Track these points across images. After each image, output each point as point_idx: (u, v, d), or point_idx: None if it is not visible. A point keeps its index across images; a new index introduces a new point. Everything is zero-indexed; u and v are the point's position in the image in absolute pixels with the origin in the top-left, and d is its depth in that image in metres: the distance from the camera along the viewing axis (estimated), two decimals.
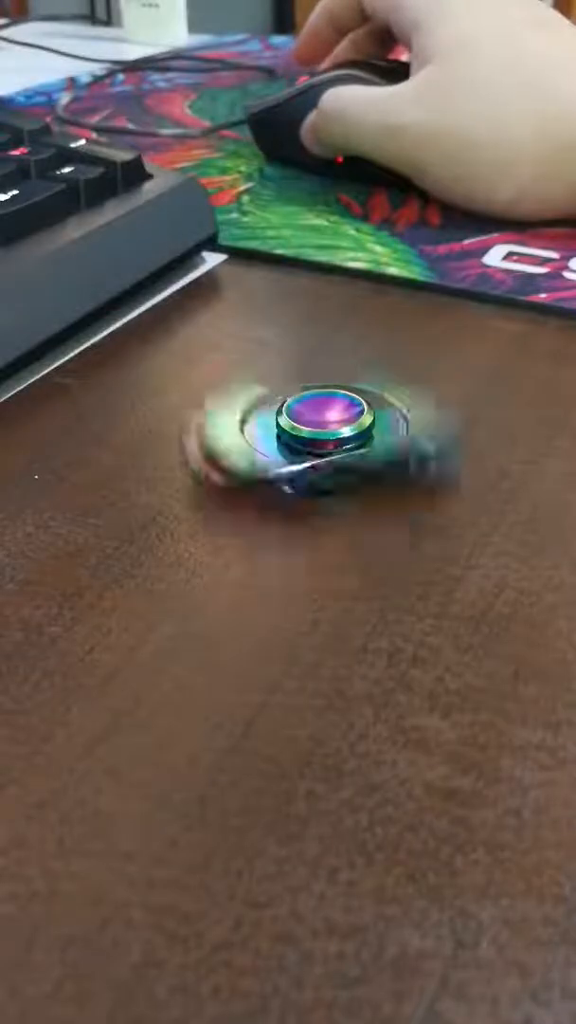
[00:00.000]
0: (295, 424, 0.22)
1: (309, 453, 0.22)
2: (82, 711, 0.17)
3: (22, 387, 0.27)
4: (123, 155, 0.33)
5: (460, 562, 0.20)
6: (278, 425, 0.23)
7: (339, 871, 0.14)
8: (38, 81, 0.63)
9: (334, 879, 0.14)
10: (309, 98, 0.41)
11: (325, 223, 0.38)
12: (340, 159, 0.42)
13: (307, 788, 0.15)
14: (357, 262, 0.34)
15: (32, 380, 0.27)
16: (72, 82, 0.62)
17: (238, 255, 0.36)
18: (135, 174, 0.33)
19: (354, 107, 0.39)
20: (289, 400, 0.23)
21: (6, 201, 0.29)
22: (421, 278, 0.33)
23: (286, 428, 0.22)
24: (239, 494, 0.22)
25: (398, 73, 0.40)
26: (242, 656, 0.18)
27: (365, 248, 0.36)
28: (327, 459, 0.22)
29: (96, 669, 0.17)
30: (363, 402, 0.23)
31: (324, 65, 0.47)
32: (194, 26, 0.80)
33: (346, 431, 0.22)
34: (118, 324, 0.30)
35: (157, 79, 0.62)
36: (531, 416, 0.25)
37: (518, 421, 0.25)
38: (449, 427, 0.23)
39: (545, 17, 0.38)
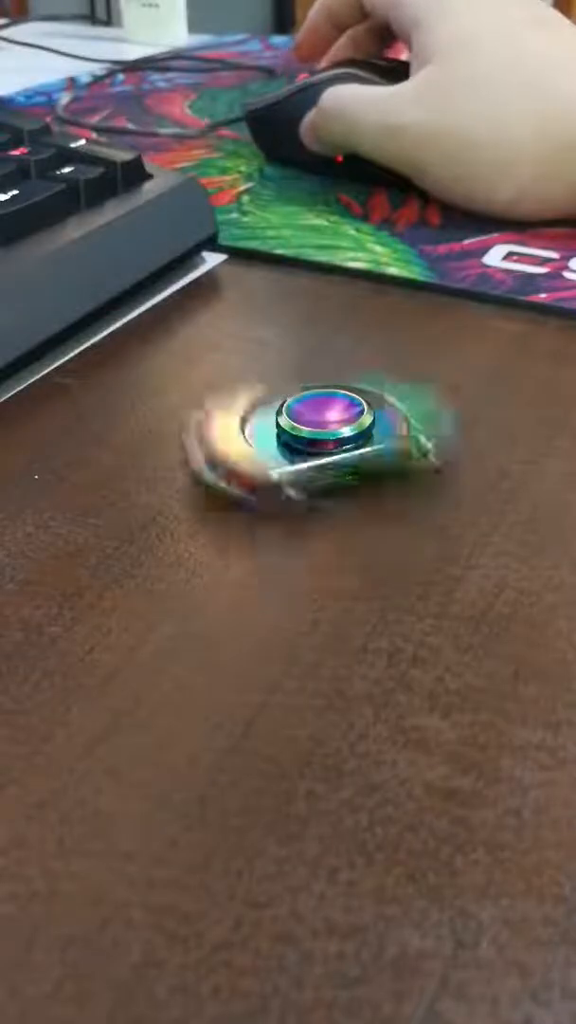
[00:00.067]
0: (295, 424, 0.22)
1: (309, 453, 0.22)
2: (82, 711, 0.17)
3: (22, 387, 0.27)
4: (123, 155, 0.33)
5: (460, 562, 0.20)
6: (278, 425, 0.23)
7: (339, 871, 0.14)
8: (38, 81, 0.63)
9: (334, 879, 0.14)
10: (308, 96, 0.41)
11: (325, 223, 0.38)
12: (339, 158, 0.42)
13: (307, 788, 0.15)
14: (357, 262, 0.34)
15: (32, 380, 0.27)
16: (72, 82, 0.62)
17: (238, 255, 0.36)
18: (135, 174, 0.33)
19: (354, 106, 0.39)
20: (289, 400, 0.23)
21: (6, 201, 0.29)
22: (421, 278, 0.33)
23: (286, 428, 0.22)
24: (239, 494, 0.22)
25: (397, 72, 0.40)
26: (242, 656, 0.18)
27: (365, 248, 0.36)
28: (328, 459, 0.22)
29: (96, 669, 0.17)
30: (363, 402, 0.23)
31: (323, 63, 0.47)
32: (194, 26, 0.80)
33: (346, 431, 0.22)
34: (118, 324, 0.30)
35: (157, 79, 0.62)
36: (531, 416, 0.25)
37: (518, 421, 0.25)
38: (446, 424, 0.23)
39: (545, 16, 0.38)
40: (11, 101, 0.57)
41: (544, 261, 0.35)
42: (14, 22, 0.84)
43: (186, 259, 0.34)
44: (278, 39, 0.77)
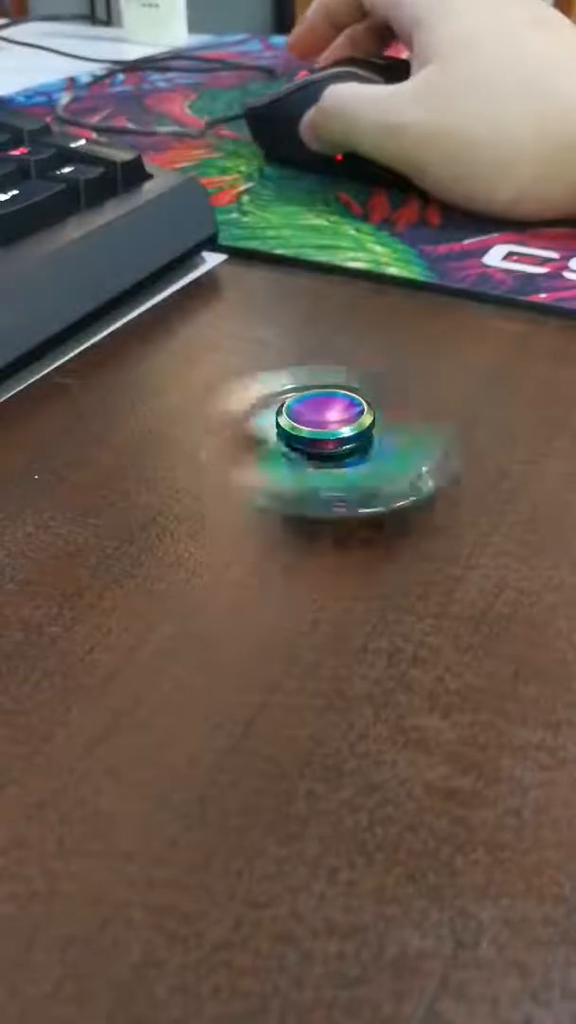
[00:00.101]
0: (295, 424, 0.22)
1: (309, 453, 0.22)
2: (82, 711, 0.17)
3: (22, 387, 0.27)
4: (123, 155, 0.33)
5: (460, 562, 0.20)
6: (278, 425, 0.23)
7: (339, 871, 0.14)
8: (38, 81, 0.63)
9: (334, 879, 0.14)
10: (308, 94, 0.41)
11: (325, 223, 0.38)
12: (339, 157, 0.42)
13: (307, 788, 0.15)
14: (357, 262, 0.34)
15: (32, 380, 0.27)
16: (72, 82, 0.62)
17: (238, 255, 0.36)
18: (135, 174, 0.33)
19: (354, 105, 0.39)
20: (289, 400, 0.23)
21: (6, 201, 0.29)
22: (421, 278, 0.33)
23: (286, 428, 0.22)
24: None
25: (397, 70, 0.40)
26: (242, 656, 0.18)
27: (365, 248, 0.36)
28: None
29: (96, 669, 0.17)
30: (363, 402, 0.23)
31: (322, 61, 0.47)
32: (194, 26, 0.80)
33: (346, 431, 0.22)
34: (118, 324, 0.30)
35: (157, 79, 0.62)
36: (531, 416, 0.25)
37: (518, 421, 0.25)
38: (450, 459, 0.23)
39: (545, 16, 0.38)
40: (11, 101, 0.57)
41: (544, 261, 0.35)
42: (14, 22, 0.84)
43: (186, 259, 0.34)
44: (278, 39, 0.77)
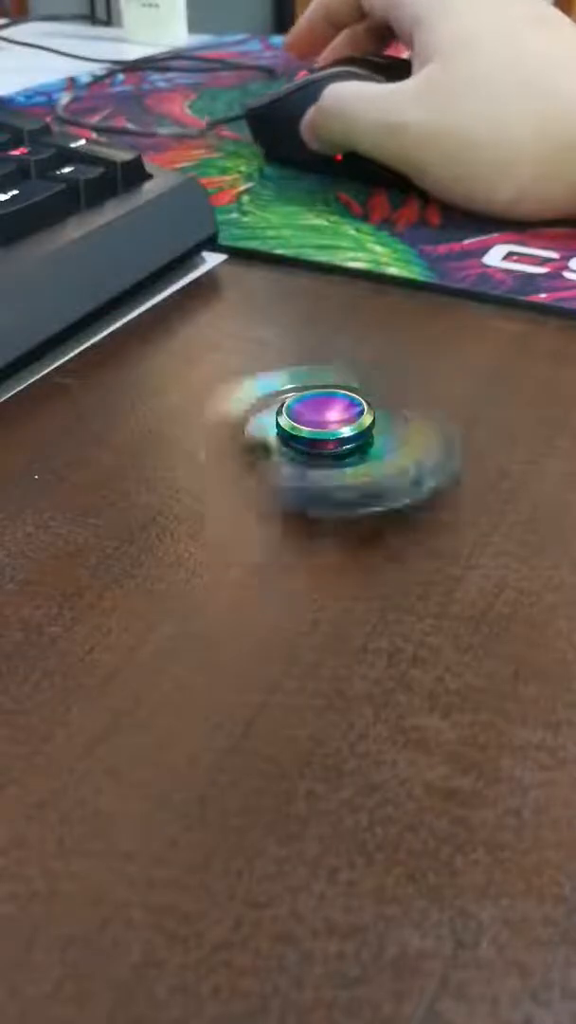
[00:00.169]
0: (295, 424, 0.22)
1: (309, 453, 0.22)
2: (82, 711, 0.17)
3: (22, 387, 0.27)
4: (123, 155, 0.33)
5: (460, 562, 0.20)
6: (278, 425, 0.23)
7: (339, 871, 0.14)
8: (38, 81, 0.63)
9: (334, 879, 0.14)
10: (309, 94, 0.41)
11: (325, 223, 0.38)
12: (339, 156, 0.42)
13: (307, 788, 0.15)
14: (357, 262, 0.34)
15: (32, 380, 0.27)
16: (72, 82, 0.62)
17: (238, 255, 0.36)
18: (135, 174, 0.33)
19: (354, 104, 0.39)
20: (289, 400, 0.23)
21: (6, 201, 0.29)
22: (421, 278, 0.33)
23: (286, 428, 0.22)
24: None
25: (397, 70, 0.40)
26: (242, 656, 0.18)
27: (365, 248, 0.36)
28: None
29: (96, 669, 0.17)
30: (363, 402, 0.23)
31: (321, 61, 0.47)
32: (194, 26, 0.80)
33: (346, 431, 0.22)
34: (118, 324, 0.30)
35: (157, 79, 0.62)
36: (531, 416, 0.25)
37: (518, 421, 0.25)
38: (452, 456, 0.23)
39: (546, 15, 0.38)
40: (11, 101, 0.57)
41: (544, 261, 0.35)
42: (14, 22, 0.84)
43: (186, 259, 0.34)
44: (278, 39, 0.77)
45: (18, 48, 0.73)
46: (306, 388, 0.24)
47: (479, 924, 0.13)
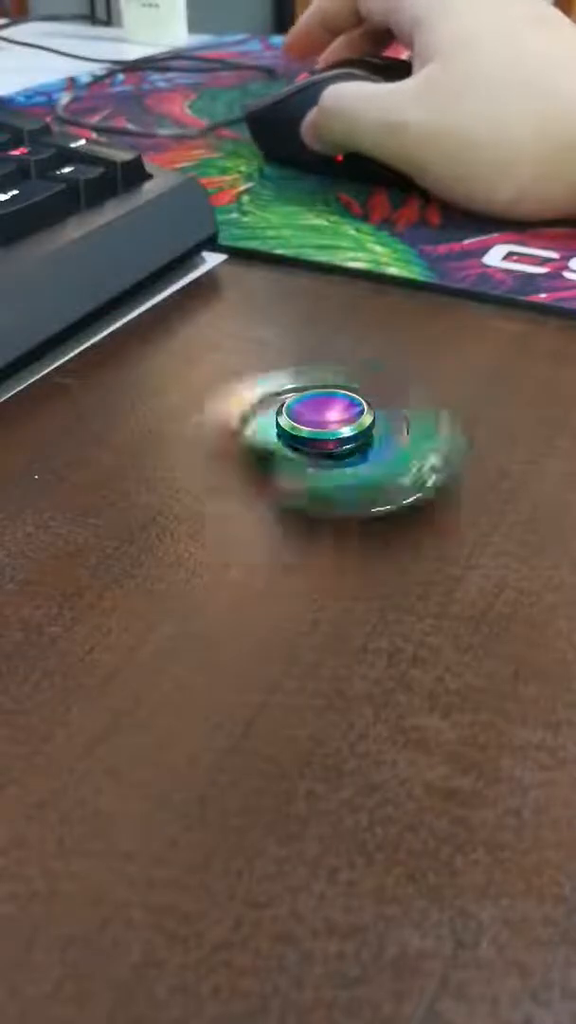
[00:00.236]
0: (295, 424, 0.22)
1: (309, 453, 0.22)
2: (82, 711, 0.17)
3: (22, 387, 0.27)
4: (123, 155, 0.33)
5: (460, 562, 0.20)
6: (278, 425, 0.23)
7: (339, 871, 0.14)
8: (38, 81, 0.63)
9: (334, 879, 0.14)
10: (309, 95, 0.41)
11: (325, 223, 0.38)
12: (340, 157, 0.42)
13: (307, 788, 0.15)
14: (357, 262, 0.34)
15: (32, 380, 0.27)
16: (72, 82, 0.62)
17: (238, 255, 0.36)
18: (135, 174, 0.33)
19: (355, 104, 0.39)
20: (289, 400, 0.23)
21: (6, 201, 0.29)
22: (421, 278, 0.33)
23: (286, 428, 0.22)
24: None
25: (397, 70, 0.40)
26: (242, 656, 0.18)
27: (365, 248, 0.36)
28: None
29: (96, 669, 0.17)
30: (363, 402, 0.23)
31: (321, 63, 0.47)
32: (194, 26, 0.80)
33: (346, 431, 0.22)
34: (118, 324, 0.30)
35: (157, 79, 0.62)
36: (531, 416, 0.25)
37: (518, 421, 0.25)
38: (455, 451, 0.23)
39: (546, 15, 0.38)
40: (11, 101, 0.57)
41: (544, 261, 0.35)
42: (14, 22, 0.84)
43: (186, 259, 0.34)
44: (278, 39, 0.77)
45: (18, 48, 0.73)
46: (306, 388, 0.24)
47: (479, 924, 0.13)
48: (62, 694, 0.17)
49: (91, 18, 0.98)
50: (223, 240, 0.36)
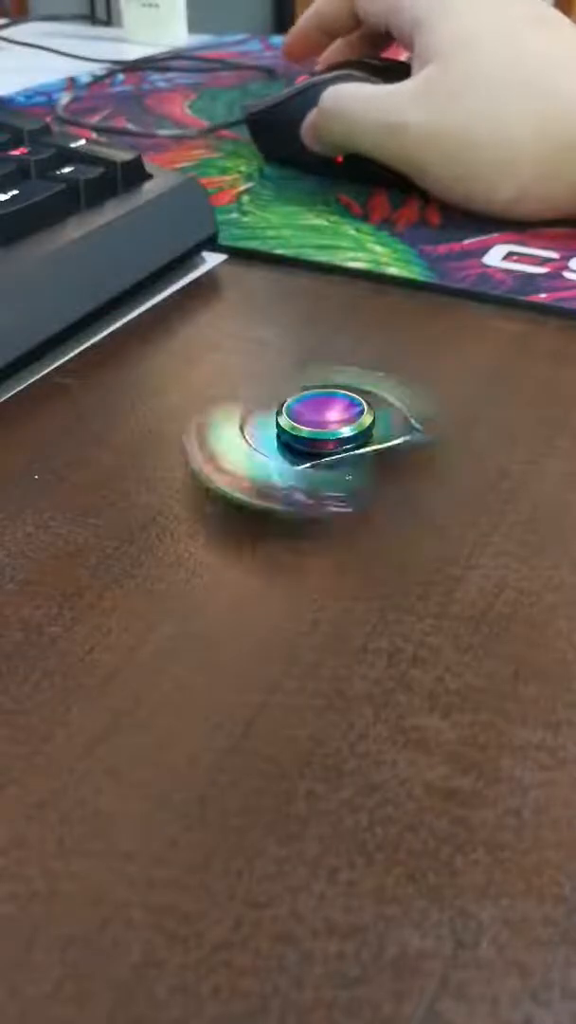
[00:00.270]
0: (295, 424, 0.22)
1: (309, 453, 0.22)
2: (82, 711, 0.17)
3: (22, 387, 0.27)
4: (123, 155, 0.33)
5: (460, 562, 0.20)
6: (278, 425, 0.23)
7: (339, 871, 0.14)
8: (38, 81, 0.63)
9: (334, 879, 0.14)
10: (309, 97, 0.41)
11: (325, 223, 0.38)
12: (340, 159, 0.42)
13: (307, 788, 0.15)
14: (357, 262, 0.34)
15: (32, 380, 0.27)
16: (72, 82, 0.62)
17: (238, 255, 0.36)
18: (135, 174, 0.33)
19: (355, 105, 0.39)
20: (289, 400, 0.23)
21: (6, 201, 0.29)
22: (421, 278, 0.33)
23: (286, 428, 0.22)
24: (239, 494, 0.22)
25: (395, 72, 0.40)
26: (242, 656, 0.18)
27: (365, 248, 0.36)
28: (327, 459, 0.22)
29: (96, 669, 0.17)
30: (363, 402, 0.23)
31: (320, 65, 0.47)
32: (194, 26, 0.80)
33: (346, 431, 0.22)
34: (118, 324, 0.30)
35: (157, 79, 0.62)
36: (531, 416, 0.25)
37: (518, 421, 0.25)
38: (431, 404, 0.24)
39: (546, 15, 0.38)
40: (11, 101, 0.57)
41: (544, 261, 0.35)
42: (14, 22, 0.84)
43: (186, 259, 0.34)
44: (278, 39, 0.77)
45: (18, 48, 0.73)
46: (306, 388, 0.24)
47: (479, 924, 0.13)
48: (62, 694, 0.17)
49: (91, 18, 0.98)
50: (223, 240, 0.36)
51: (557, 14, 0.39)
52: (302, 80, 0.44)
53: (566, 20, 0.39)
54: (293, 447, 0.22)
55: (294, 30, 0.47)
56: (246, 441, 0.23)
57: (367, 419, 0.23)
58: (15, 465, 0.23)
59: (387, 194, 0.41)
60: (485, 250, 0.36)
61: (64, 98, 0.56)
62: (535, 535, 0.21)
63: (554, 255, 0.35)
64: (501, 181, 0.37)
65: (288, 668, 0.17)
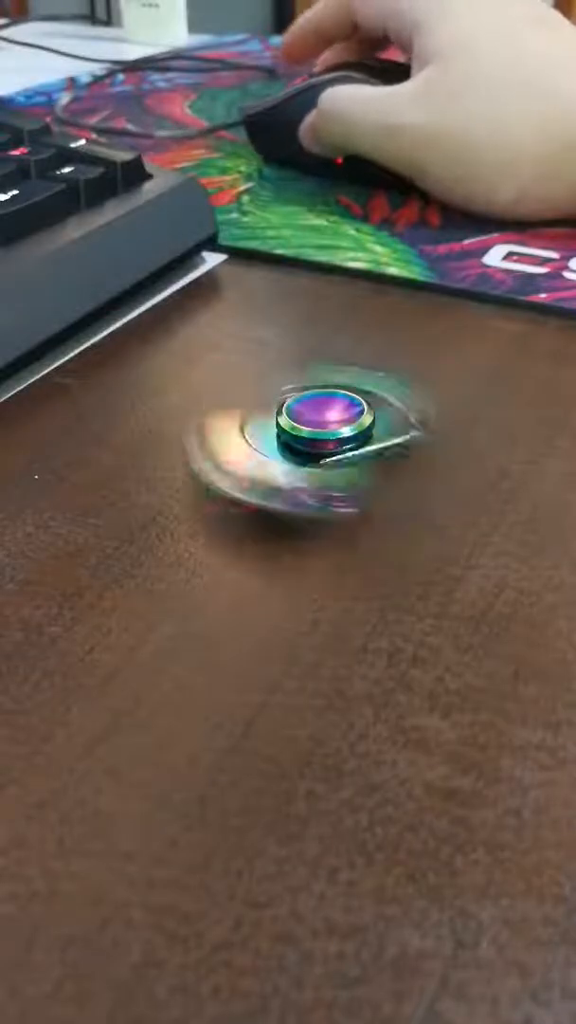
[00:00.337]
0: (295, 424, 0.22)
1: (309, 453, 0.22)
2: (82, 711, 0.17)
3: (22, 387, 0.27)
4: (123, 155, 0.33)
5: (460, 562, 0.20)
6: (278, 425, 0.23)
7: (339, 871, 0.14)
8: (38, 81, 0.63)
9: (334, 879, 0.14)
10: (308, 98, 0.41)
11: (325, 223, 0.38)
12: (339, 160, 0.42)
13: (307, 788, 0.15)
14: (357, 262, 0.34)
15: (32, 380, 0.27)
16: (72, 82, 0.62)
17: (238, 255, 0.36)
18: (135, 174, 0.33)
19: (354, 106, 0.39)
20: (289, 400, 0.23)
21: (6, 201, 0.29)
22: (421, 278, 0.33)
23: (286, 428, 0.22)
24: (238, 494, 0.22)
25: (394, 73, 0.40)
26: (242, 656, 0.18)
27: (365, 248, 0.36)
28: (329, 459, 0.22)
29: (96, 669, 0.17)
30: (363, 402, 0.23)
31: (319, 66, 0.47)
32: (194, 26, 0.80)
33: (346, 431, 0.22)
34: (118, 324, 0.30)
35: (157, 79, 0.62)
36: (531, 416, 0.25)
37: (518, 421, 0.25)
38: (426, 401, 0.24)
39: (545, 16, 0.38)
40: (11, 101, 0.57)
41: (544, 261, 0.35)
42: (14, 22, 0.84)
43: (186, 259, 0.34)
44: (278, 39, 0.77)
45: (18, 48, 0.73)
46: (306, 388, 0.24)
47: (479, 924, 0.13)
48: (62, 694, 0.17)
49: (91, 18, 0.98)
50: (223, 240, 0.36)
51: (557, 14, 0.39)
52: (301, 81, 0.44)
53: (566, 20, 0.39)
54: (293, 447, 0.22)
55: (291, 33, 0.46)
56: (246, 441, 0.23)
57: (367, 419, 0.23)
58: (15, 465, 0.23)
59: (387, 195, 0.41)
60: (485, 250, 0.36)
61: (64, 98, 0.56)
62: (535, 535, 0.21)
63: (554, 255, 0.35)
64: (501, 182, 0.37)
65: (288, 668, 0.17)
